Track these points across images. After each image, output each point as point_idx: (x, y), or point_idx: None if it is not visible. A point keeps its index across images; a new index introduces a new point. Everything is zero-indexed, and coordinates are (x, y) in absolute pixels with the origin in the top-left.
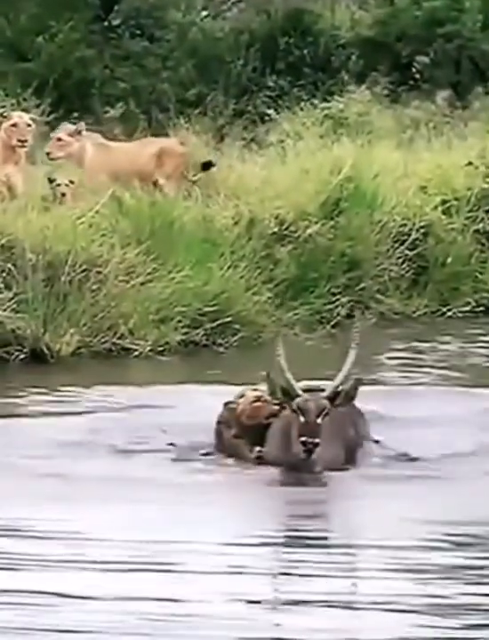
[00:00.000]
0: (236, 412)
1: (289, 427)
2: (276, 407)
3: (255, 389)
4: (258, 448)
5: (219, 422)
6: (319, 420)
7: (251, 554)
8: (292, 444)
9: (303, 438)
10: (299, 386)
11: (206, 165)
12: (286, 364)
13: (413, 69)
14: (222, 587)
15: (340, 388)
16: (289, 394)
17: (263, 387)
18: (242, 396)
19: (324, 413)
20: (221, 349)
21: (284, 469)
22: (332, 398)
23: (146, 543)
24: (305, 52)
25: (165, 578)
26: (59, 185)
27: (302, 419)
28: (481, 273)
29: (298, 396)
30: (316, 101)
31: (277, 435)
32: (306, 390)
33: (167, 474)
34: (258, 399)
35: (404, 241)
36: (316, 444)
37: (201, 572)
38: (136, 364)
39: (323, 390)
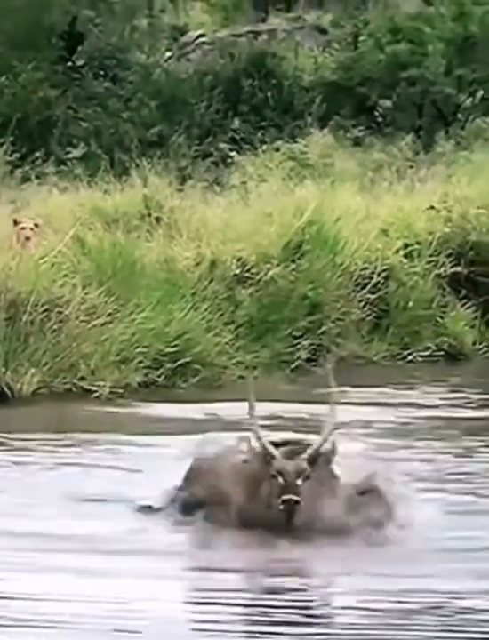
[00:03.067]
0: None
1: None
2: None
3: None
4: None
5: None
6: (299, 482)
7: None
8: (272, 503)
9: (284, 497)
10: (274, 448)
11: None
12: (260, 426)
13: (376, 113)
14: None
15: (321, 450)
16: (266, 458)
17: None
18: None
19: (303, 476)
20: (182, 391)
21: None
22: (312, 461)
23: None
24: (268, 94)
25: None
26: (23, 228)
27: (281, 480)
28: (442, 317)
29: (274, 458)
30: (278, 144)
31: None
32: (286, 443)
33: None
34: None
35: (366, 284)
36: (297, 502)
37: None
38: (96, 405)
39: (303, 445)
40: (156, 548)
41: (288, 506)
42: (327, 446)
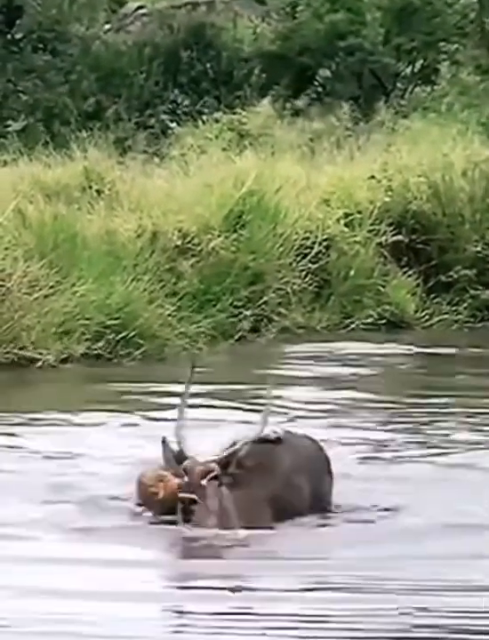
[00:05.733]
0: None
1: None
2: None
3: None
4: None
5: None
6: (203, 482)
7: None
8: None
9: (180, 494)
10: (192, 453)
11: None
12: (183, 427)
13: (316, 83)
14: None
15: (234, 455)
16: (179, 459)
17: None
18: (161, 479)
19: (209, 476)
20: (125, 362)
21: None
22: (223, 464)
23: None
24: (207, 65)
25: None
26: None
27: (186, 479)
28: (383, 286)
29: (186, 459)
30: (218, 115)
31: None
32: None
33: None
34: (161, 479)
35: (307, 254)
36: (193, 501)
37: None
38: (39, 376)
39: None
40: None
41: (182, 504)
42: (245, 449)
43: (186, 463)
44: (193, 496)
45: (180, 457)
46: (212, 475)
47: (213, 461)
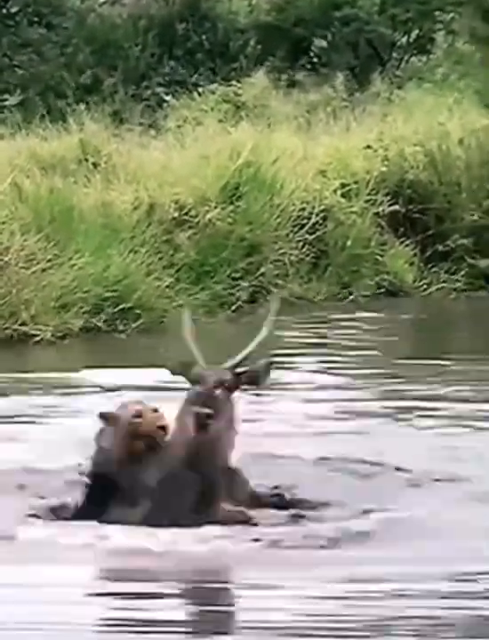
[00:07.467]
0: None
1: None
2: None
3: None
4: None
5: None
6: (217, 392)
7: None
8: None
9: (195, 408)
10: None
11: None
12: (193, 336)
13: (311, 53)
14: None
15: (245, 365)
16: (189, 365)
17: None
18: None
19: (223, 385)
20: (123, 335)
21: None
22: (237, 374)
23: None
24: (203, 37)
25: None
26: None
27: (198, 388)
28: (381, 255)
29: (196, 364)
30: (213, 86)
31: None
32: None
33: None
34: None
35: (304, 225)
36: (209, 416)
37: None
38: (39, 351)
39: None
40: None
41: (201, 420)
42: (260, 362)
43: (197, 370)
44: (209, 410)
45: (188, 364)
46: (228, 385)
47: (225, 368)
